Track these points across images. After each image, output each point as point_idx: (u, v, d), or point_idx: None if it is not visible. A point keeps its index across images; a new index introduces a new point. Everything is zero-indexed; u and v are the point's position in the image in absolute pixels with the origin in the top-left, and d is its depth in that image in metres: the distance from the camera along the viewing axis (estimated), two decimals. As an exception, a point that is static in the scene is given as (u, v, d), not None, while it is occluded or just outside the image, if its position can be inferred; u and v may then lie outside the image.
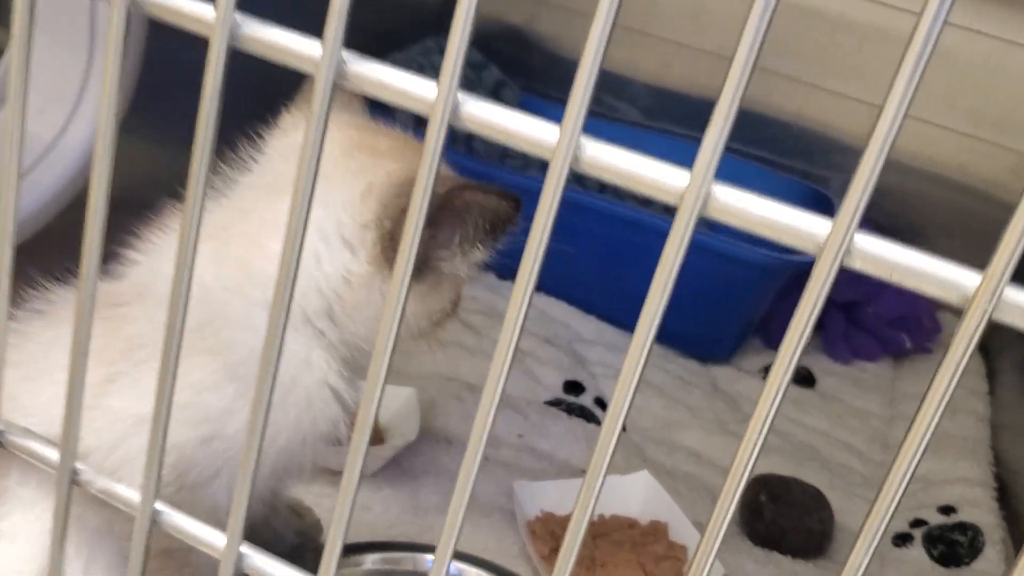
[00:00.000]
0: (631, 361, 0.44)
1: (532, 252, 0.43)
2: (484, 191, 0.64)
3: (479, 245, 0.67)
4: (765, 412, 0.42)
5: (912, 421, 0.40)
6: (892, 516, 0.41)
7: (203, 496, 0.68)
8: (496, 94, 1.83)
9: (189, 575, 0.71)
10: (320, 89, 0.41)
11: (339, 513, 0.51)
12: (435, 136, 0.42)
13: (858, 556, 0.43)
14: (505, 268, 0.74)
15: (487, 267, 0.72)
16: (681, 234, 0.40)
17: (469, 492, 0.49)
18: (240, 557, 0.55)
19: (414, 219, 0.40)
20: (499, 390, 0.47)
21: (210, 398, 0.65)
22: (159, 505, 0.55)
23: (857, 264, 0.39)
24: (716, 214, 0.40)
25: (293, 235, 0.44)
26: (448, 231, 0.66)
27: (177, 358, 0.51)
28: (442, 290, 0.70)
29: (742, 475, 0.43)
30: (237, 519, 0.53)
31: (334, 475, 1.06)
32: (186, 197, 0.47)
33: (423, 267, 0.68)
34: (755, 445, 0.43)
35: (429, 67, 1.78)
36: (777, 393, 0.42)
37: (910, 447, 0.39)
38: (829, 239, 0.38)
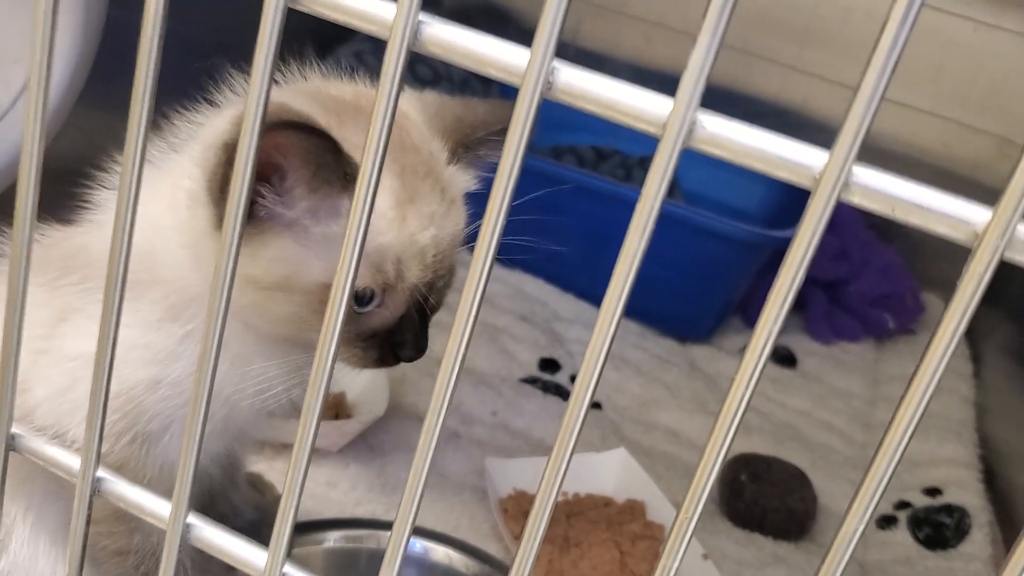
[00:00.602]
0: (603, 322, 0.41)
1: (496, 206, 0.39)
2: (297, 127, 0.55)
3: (302, 189, 0.58)
4: (745, 381, 0.39)
5: (913, 374, 0.37)
6: (882, 495, 0.38)
7: (155, 453, 0.66)
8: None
9: (140, 540, 0.68)
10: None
11: (289, 483, 0.48)
12: (394, 62, 0.38)
13: (844, 539, 0.39)
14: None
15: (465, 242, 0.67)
16: (663, 169, 0.37)
17: (427, 467, 0.45)
18: (187, 528, 0.51)
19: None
20: (459, 359, 0.43)
21: (156, 338, 0.64)
22: (101, 472, 0.52)
23: (856, 199, 0.35)
24: (702, 145, 0.36)
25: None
26: (274, 177, 0.59)
27: (120, 304, 0.47)
28: (270, 250, 0.60)
29: (719, 452, 0.40)
30: (183, 486, 0.50)
31: (299, 451, 1.02)
32: (127, 138, 0.44)
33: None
34: (733, 417, 0.39)
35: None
36: (761, 356, 0.38)
37: (909, 404, 0.36)
38: (826, 171, 0.35)
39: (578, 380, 0.40)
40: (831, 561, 0.40)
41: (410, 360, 0.66)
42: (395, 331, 0.64)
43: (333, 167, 0.57)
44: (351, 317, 0.62)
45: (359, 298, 0.62)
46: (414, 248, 0.62)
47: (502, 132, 0.64)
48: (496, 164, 0.69)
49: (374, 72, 0.60)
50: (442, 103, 0.69)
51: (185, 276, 0.63)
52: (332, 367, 0.45)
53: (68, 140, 1.04)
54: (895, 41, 0.33)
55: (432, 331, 0.64)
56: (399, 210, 0.61)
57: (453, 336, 0.43)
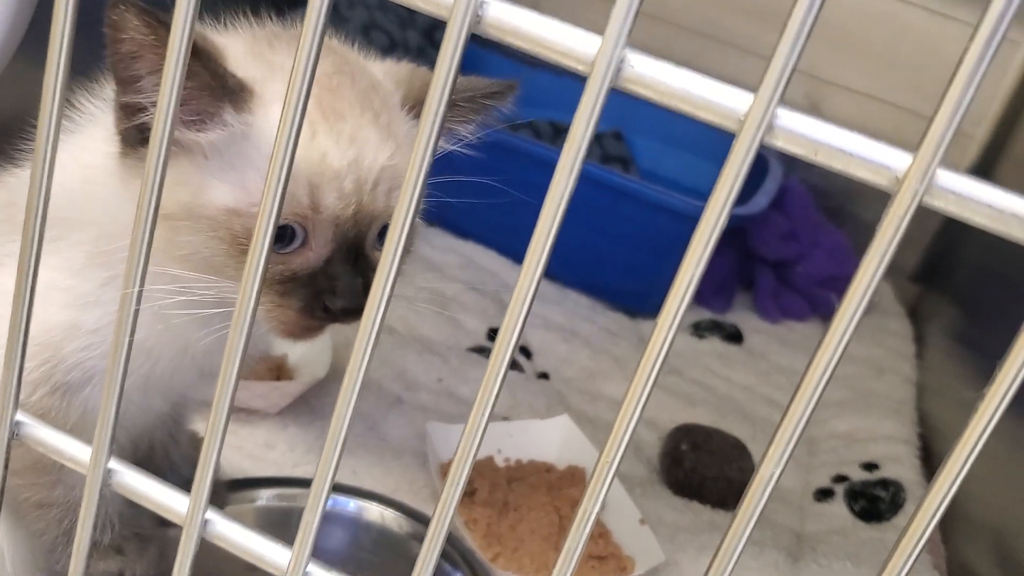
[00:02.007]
0: (527, 270, 0.41)
1: (429, 121, 0.38)
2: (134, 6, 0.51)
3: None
4: (662, 337, 0.38)
5: (831, 321, 0.37)
6: (803, 429, 0.38)
7: (76, 404, 0.65)
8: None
9: (63, 493, 0.67)
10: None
11: (212, 428, 0.47)
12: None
13: (760, 484, 0.40)
14: (432, 215, 0.68)
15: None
16: (591, 108, 0.36)
17: (347, 422, 0.44)
18: (108, 473, 0.50)
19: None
20: (380, 314, 0.42)
21: (76, 282, 0.62)
22: (20, 415, 0.51)
23: (779, 142, 0.35)
24: (629, 84, 0.36)
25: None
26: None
27: (39, 246, 0.46)
28: (168, 174, 0.57)
29: (634, 411, 0.40)
30: (104, 430, 0.49)
31: (238, 411, 1.01)
32: (44, 85, 0.43)
33: (133, 134, 0.57)
34: (650, 374, 0.39)
35: None
36: (680, 306, 0.38)
37: (829, 344, 0.36)
38: (750, 113, 0.34)
39: (498, 338, 0.40)
40: (743, 515, 0.40)
41: (343, 312, 0.59)
42: (321, 275, 0.59)
43: (200, 72, 0.54)
44: (271, 256, 0.59)
45: (276, 235, 0.58)
46: (327, 171, 0.57)
47: (472, 100, 0.62)
48: (463, 136, 0.68)
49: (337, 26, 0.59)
50: (413, 70, 0.66)
51: (110, 217, 0.61)
52: (255, 306, 0.44)
53: (5, 95, 1.02)
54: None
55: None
56: (308, 127, 0.56)
57: (373, 292, 0.42)
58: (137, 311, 0.45)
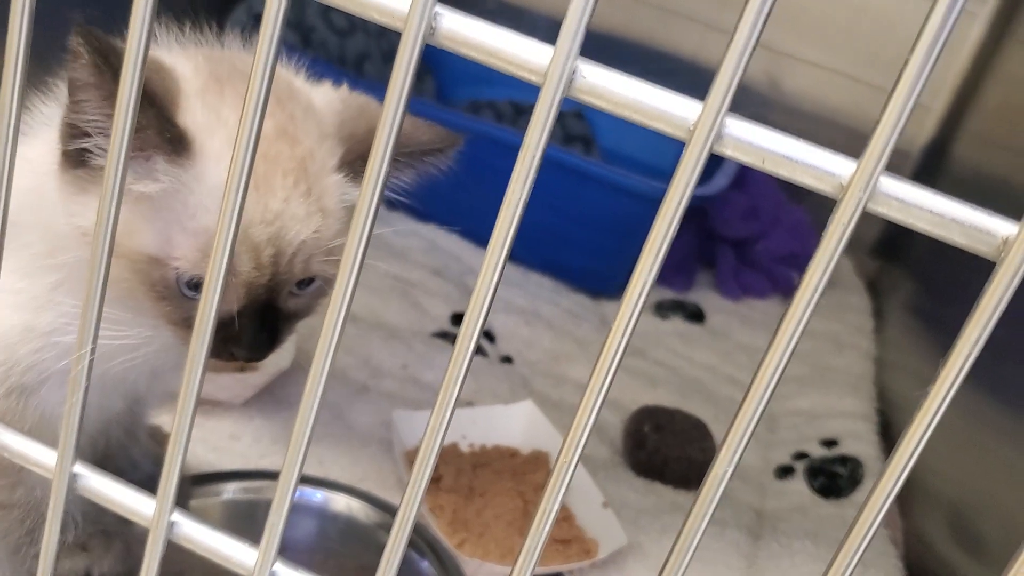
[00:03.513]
0: (490, 258, 0.41)
1: (377, 162, 0.39)
2: (89, 39, 0.52)
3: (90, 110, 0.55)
4: (629, 312, 0.39)
5: (781, 320, 0.38)
6: (764, 409, 0.39)
7: (32, 406, 0.65)
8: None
9: (24, 494, 0.67)
10: None
11: (177, 430, 0.47)
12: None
13: (721, 465, 0.41)
14: (393, 200, 0.68)
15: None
16: (544, 118, 0.37)
17: (313, 416, 0.45)
18: (74, 477, 0.51)
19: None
20: (344, 306, 0.43)
21: (27, 284, 0.63)
22: (-19, 422, 0.51)
23: (728, 150, 0.36)
24: (581, 94, 0.37)
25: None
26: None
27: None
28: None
29: (597, 398, 0.41)
30: (69, 434, 0.49)
31: (203, 403, 1.01)
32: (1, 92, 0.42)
33: (74, 154, 0.58)
34: (614, 357, 0.40)
35: None
36: (642, 290, 0.39)
37: (780, 342, 0.37)
38: (699, 123, 0.35)
39: (463, 325, 0.41)
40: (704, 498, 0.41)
41: (245, 360, 0.62)
42: (230, 325, 0.60)
43: (144, 122, 0.54)
44: (180, 300, 0.59)
45: (191, 285, 0.58)
46: (247, 241, 0.57)
47: (412, 155, 0.62)
48: (402, 185, 0.67)
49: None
50: (364, 107, 0.65)
51: (56, 221, 0.61)
52: (209, 341, 0.44)
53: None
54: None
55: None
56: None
57: (338, 285, 0.42)
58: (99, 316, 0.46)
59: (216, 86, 0.60)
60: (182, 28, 0.64)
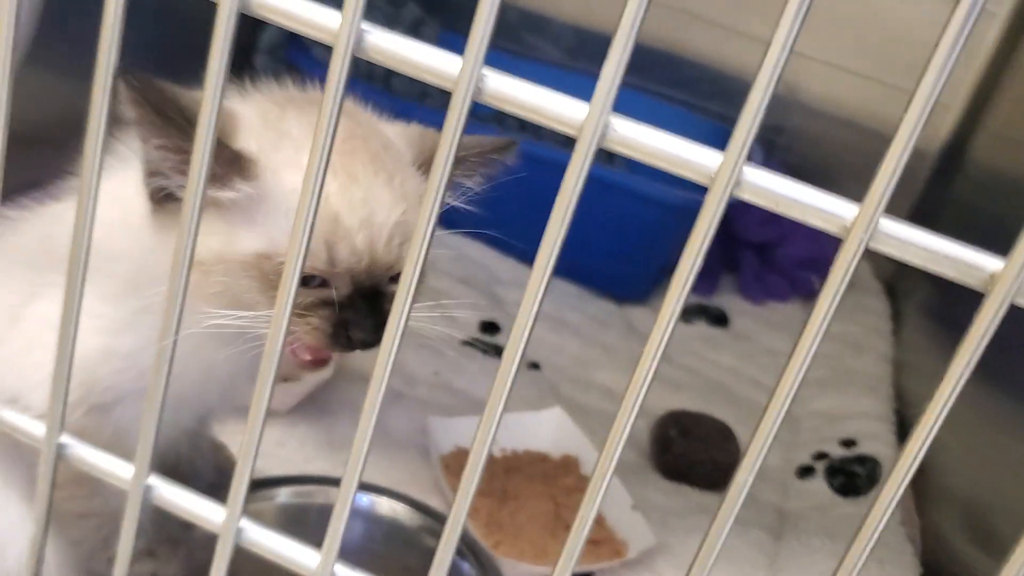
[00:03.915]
0: (531, 289, 0.46)
1: (436, 181, 0.43)
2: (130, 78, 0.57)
3: (164, 153, 0.60)
4: (659, 337, 0.44)
5: (796, 342, 0.42)
6: (786, 410, 0.43)
7: (108, 423, 0.69)
8: (415, 31, 1.81)
9: (101, 504, 0.71)
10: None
11: (246, 444, 0.52)
12: (338, 69, 0.43)
13: (744, 473, 0.45)
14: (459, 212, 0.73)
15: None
16: (580, 165, 0.41)
17: (373, 424, 0.50)
18: (148, 489, 0.55)
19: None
20: (402, 324, 0.47)
21: (109, 309, 0.67)
22: (64, 438, 0.55)
23: (746, 196, 0.40)
24: (614, 145, 0.41)
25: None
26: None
27: (84, 274, 0.51)
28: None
29: (636, 397, 0.45)
30: (144, 449, 0.53)
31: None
32: (87, 136, 0.47)
33: (156, 195, 0.64)
34: (650, 365, 0.44)
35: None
36: (670, 320, 0.43)
37: (795, 363, 0.41)
38: (720, 171, 0.40)
39: (510, 340, 0.45)
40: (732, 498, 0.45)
41: (364, 344, 0.66)
42: (344, 310, 0.65)
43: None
44: (298, 292, 0.64)
45: (301, 280, 0.64)
46: (339, 230, 0.63)
47: (477, 156, 0.68)
48: (469, 189, 0.72)
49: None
50: (423, 132, 0.72)
51: (145, 253, 0.66)
52: (285, 332, 0.49)
53: (12, 105, 1.05)
54: (778, 59, 0.37)
55: None
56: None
57: (396, 302, 0.47)
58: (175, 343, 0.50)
59: (277, 109, 0.66)
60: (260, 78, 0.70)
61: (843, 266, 0.39)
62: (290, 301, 0.48)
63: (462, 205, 0.70)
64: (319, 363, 0.70)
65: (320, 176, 0.44)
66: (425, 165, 0.69)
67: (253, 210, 0.63)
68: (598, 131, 0.41)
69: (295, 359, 0.68)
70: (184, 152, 0.60)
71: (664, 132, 0.41)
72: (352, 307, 0.65)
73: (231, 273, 0.63)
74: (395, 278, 0.66)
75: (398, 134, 0.71)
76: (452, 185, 0.68)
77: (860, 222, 0.38)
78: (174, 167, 0.61)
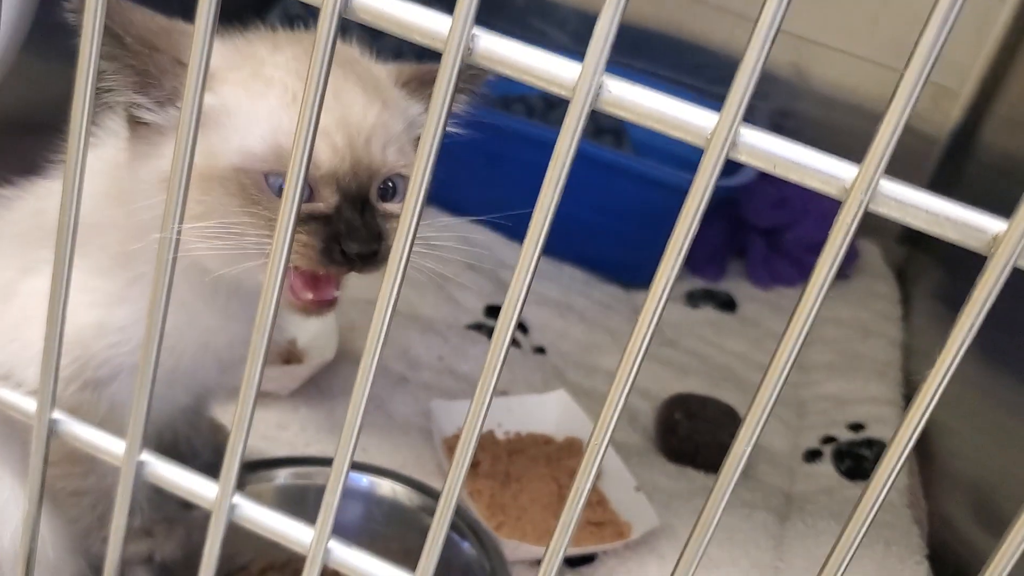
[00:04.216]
0: (524, 260, 0.45)
1: (423, 158, 0.43)
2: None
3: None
4: (654, 304, 0.43)
5: (792, 313, 0.41)
6: (774, 402, 0.43)
7: (104, 398, 0.69)
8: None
9: (95, 481, 0.71)
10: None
11: (237, 419, 0.51)
12: (326, 30, 0.42)
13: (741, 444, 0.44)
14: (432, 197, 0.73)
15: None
16: (573, 128, 0.40)
17: (365, 398, 0.49)
18: (141, 465, 0.54)
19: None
20: (395, 289, 0.47)
21: (102, 282, 0.66)
22: (56, 414, 0.55)
23: (743, 157, 0.39)
24: (608, 107, 0.40)
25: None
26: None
27: (72, 251, 0.50)
28: (170, 147, 0.61)
29: (627, 381, 0.44)
30: (137, 425, 0.53)
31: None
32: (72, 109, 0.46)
33: (132, 119, 0.64)
34: (641, 342, 0.43)
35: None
36: (666, 285, 0.42)
37: (790, 337, 0.40)
38: (715, 131, 0.38)
39: (501, 315, 0.44)
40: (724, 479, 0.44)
41: (359, 257, 0.63)
42: (335, 219, 0.63)
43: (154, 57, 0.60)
44: (272, 201, 0.62)
45: (281, 188, 0.61)
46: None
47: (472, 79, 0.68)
48: (457, 114, 0.72)
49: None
50: (400, 64, 0.72)
51: (132, 217, 0.64)
52: (288, 256, 0.47)
53: (12, 91, 1.05)
54: (773, 17, 0.36)
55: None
56: (290, 94, 0.62)
57: (388, 271, 0.46)
58: (167, 307, 0.49)
59: (246, 40, 0.67)
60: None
61: (843, 229, 0.38)
62: (293, 216, 0.46)
63: (455, 130, 0.70)
64: (323, 304, 0.66)
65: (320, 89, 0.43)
66: (402, 82, 0.69)
67: (222, 126, 0.62)
68: (591, 91, 0.40)
69: (295, 298, 0.65)
70: (140, 73, 0.61)
71: (658, 92, 0.40)
72: (342, 219, 0.63)
73: (211, 191, 0.62)
74: (384, 192, 0.66)
75: (377, 66, 0.71)
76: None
77: (860, 183, 0.37)
78: (132, 87, 0.61)
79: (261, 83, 0.63)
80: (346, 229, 0.62)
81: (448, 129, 0.71)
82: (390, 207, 0.66)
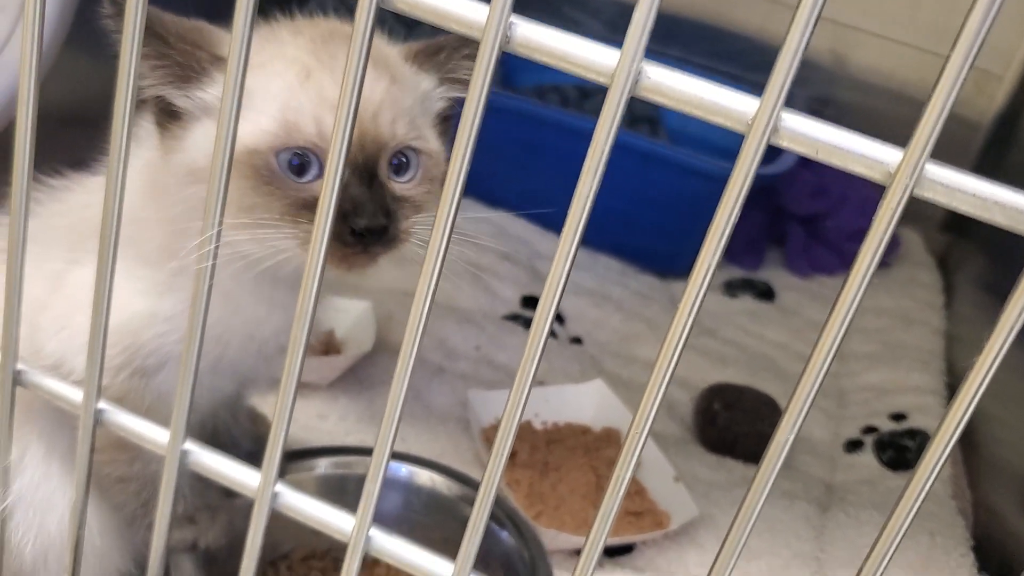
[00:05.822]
0: (562, 250, 0.45)
1: (461, 148, 0.42)
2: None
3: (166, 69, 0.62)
4: (691, 300, 0.42)
5: (834, 302, 0.40)
6: (816, 392, 0.42)
7: (152, 387, 0.70)
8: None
9: (140, 468, 0.72)
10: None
11: (279, 409, 0.51)
12: (364, 18, 0.42)
13: (783, 432, 0.44)
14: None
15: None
16: (612, 114, 0.40)
17: (405, 389, 0.49)
18: (184, 454, 0.55)
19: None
20: (433, 279, 0.47)
21: (149, 272, 0.67)
22: (102, 404, 0.55)
23: (784, 142, 0.39)
24: (647, 93, 0.40)
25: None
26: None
27: (116, 241, 0.51)
28: (193, 135, 0.65)
29: (667, 370, 0.43)
30: (180, 415, 0.53)
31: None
32: (115, 102, 0.47)
33: (161, 114, 0.65)
34: (681, 332, 0.43)
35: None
36: (707, 273, 0.42)
37: (832, 326, 0.40)
38: (757, 116, 0.38)
39: (540, 303, 0.44)
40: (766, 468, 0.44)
41: (368, 232, 0.62)
42: (342, 198, 0.61)
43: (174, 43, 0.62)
44: (287, 184, 0.63)
45: (295, 167, 0.63)
46: (325, 102, 0.62)
47: (462, 46, 0.68)
48: (463, 79, 0.72)
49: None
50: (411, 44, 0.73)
51: (175, 211, 0.66)
52: (325, 247, 0.47)
53: (57, 86, 1.06)
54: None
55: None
56: (303, 70, 0.63)
57: (427, 263, 0.46)
58: (210, 291, 0.50)
59: (269, 26, 0.68)
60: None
61: (887, 214, 0.38)
62: (335, 190, 0.46)
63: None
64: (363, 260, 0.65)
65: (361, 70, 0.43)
66: (411, 57, 0.69)
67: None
68: (631, 78, 0.39)
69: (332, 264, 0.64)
70: (184, 68, 0.62)
71: (697, 77, 0.39)
72: (348, 196, 0.62)
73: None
74: (398, 168, 0.66)
75: (386, 45, 0.71)
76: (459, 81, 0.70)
77: (905, 167, 0.37)
78: (173, 83, 0.63)
79: (281, 63, 0.64)
80: (352, 206, 0.62)
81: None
82: (403, 186, 0.66)
